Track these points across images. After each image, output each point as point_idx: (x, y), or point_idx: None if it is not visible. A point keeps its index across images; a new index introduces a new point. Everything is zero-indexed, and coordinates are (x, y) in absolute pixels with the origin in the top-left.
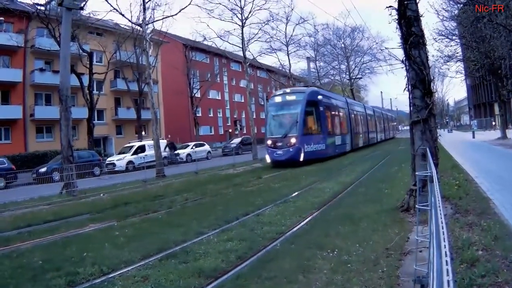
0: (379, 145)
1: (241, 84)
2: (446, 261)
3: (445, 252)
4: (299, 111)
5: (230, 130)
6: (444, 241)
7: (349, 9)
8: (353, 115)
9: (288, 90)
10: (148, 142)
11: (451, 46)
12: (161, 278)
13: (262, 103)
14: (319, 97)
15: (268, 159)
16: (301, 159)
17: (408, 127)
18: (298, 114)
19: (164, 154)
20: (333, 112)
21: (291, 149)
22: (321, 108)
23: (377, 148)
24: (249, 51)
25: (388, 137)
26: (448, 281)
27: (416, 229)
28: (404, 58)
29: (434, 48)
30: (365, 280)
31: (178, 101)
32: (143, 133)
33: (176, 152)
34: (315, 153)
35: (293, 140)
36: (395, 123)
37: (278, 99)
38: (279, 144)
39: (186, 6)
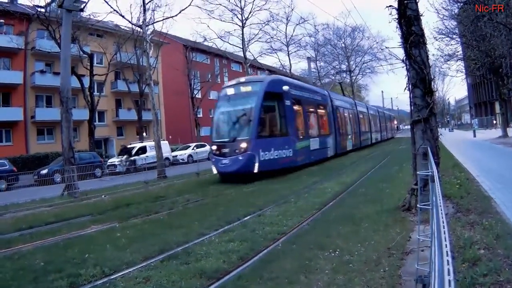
0: (375, 147)
1: None
2: (447, 260)
3: (446, 251)
4: (254, 106)
5: None
6: (445, 241)
7: (349, 9)
8: (338, 113)
9: (242, 79)
10: (149, 143)
11: (452, 45)
12: (162, 279)
13: None
14: (285, 88)
15: (214, 170)
16: (256, 170)
17: (409, 127)
18: (252, 110)
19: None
20: (307, 108)
21: (240, 157)
22: (288, 102)
23: (374, 150)
24: (249, 51)
25: (385, 138)
26: (449, 281)
27: (418, 229)
28: (405, 58)
29: (434, 47)
30: (367, 280)
31: (179, 102)
32: (144, 134)
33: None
34: (277, 162)
35: (243, 145)
36: (396, 123)
37: (228, 91)
38: (226, 150)
39: (186, 7)
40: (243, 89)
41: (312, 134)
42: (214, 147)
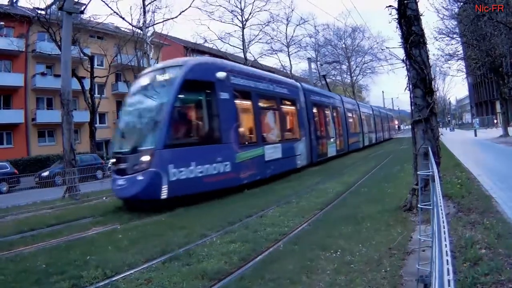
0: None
1: None
2: (447, 260)
3: (446, 251)
4: (165, 101)
5: None
6: (445, 241)
7: (349, 9)
8: (316, 111)
9: (160, 64)
10: None
11: (452, 44)
12: (164, 281)
13: None
14: (220, 75)
15: None
16: (164, 195)
17: (409, 127)
18: (161, 107)
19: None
20: (261, 104)
21: (139, 177)
22: (225, 95)
23: (376, 150)
24: (250, 52)
25: (381, 140)
26: (449, 280)
27: (419, 229)
28: (405, 58)
29: (435, 47)
30: (368, 280)
31: None
32: None
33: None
34: (203, 182)
35: (145, 159)
36: (396, 122)
37: (142, 81)
38: (124, 166)
39: (186, 9)
40: (158, 77)
41: (270, 139)
42: (113, 161)
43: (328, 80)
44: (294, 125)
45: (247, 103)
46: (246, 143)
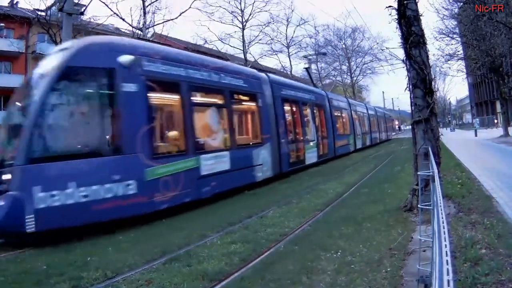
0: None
1: None
2: (447, 260)
3: (446, 251)
4: (35, 98)
5: None
6: (445, 241)
7: (349, 9)
8: (290, 109)
9: (58, 47)
10: None
11: (452, 44)
12: (165, 282)
13: None
14: (124, 59)
15: None
16: (31, 228)
17: (410, 127)
18: (29, 106)
19: None
20: (197, 99)
21: None
22: (130, 87)
23: (377, 150)
24: (250, 53)
25: (377, 141)
26: (449, 281)
27: (419, 229)
28: (405, 58)
29: (435, 47)
30: (368, 280)
31: None
32: None
33: None
34: (92, 209)
35: (5, 177)
36: (397, 123)
37: (32, 73)
38: None
39: (186, 10)
40: (41, 66)
41: (210, 145)
42: None
43: (328, 80)
44: (253, 127)
45: (173, 98)
46: (166, 152)
